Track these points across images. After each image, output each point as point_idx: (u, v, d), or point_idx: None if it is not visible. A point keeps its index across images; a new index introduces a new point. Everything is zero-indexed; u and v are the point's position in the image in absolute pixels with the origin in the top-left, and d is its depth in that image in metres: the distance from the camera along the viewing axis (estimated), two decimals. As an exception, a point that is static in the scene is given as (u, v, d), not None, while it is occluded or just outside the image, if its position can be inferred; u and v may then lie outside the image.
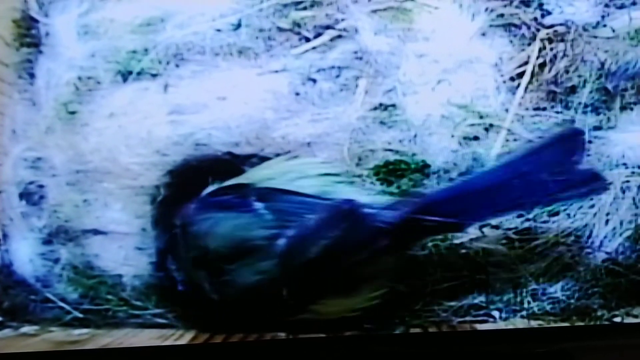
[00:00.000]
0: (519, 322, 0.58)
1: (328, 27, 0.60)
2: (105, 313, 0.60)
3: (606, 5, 0.60)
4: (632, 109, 0.59)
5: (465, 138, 0.59)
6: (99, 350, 0.58)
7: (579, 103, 0.59)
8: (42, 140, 0.61)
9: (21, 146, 0.61)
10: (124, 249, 0.61)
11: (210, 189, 0.57)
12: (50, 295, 0.60)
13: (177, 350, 0.59)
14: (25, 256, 0.61)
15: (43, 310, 0.60)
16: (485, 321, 0.59)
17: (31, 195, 0.61)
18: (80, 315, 0.60)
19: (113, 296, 0.60)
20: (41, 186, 0.61)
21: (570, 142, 0.53)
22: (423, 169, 0.59)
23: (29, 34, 0.62)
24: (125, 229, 0.60)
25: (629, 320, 0.58)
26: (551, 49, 0.59)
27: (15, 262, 0.61)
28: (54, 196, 0.61)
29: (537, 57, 0.59)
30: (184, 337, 0.58)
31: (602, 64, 0.59)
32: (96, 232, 0.61)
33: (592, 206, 0.58)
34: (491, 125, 0.59)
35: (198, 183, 0.58)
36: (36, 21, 0.62)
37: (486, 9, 0.59)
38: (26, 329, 0.59)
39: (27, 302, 0.60)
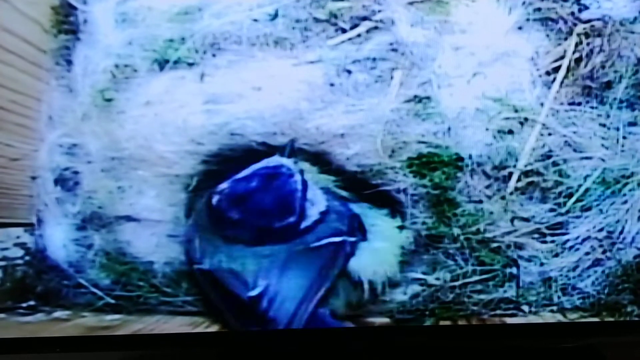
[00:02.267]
0: (548, 317, 0.59)
1: (364, 19, 0.59)
2: (136, 299, 0.61)
3: None
4: None
5: (499, 131, 0.59)
6: (131, 336, 0.59)
7: (614, 98, 0.59)
8: (78, 127, 0.61)
9: (57, 132, 0.62)
10: (156, 236, 0.61)
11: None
12: (82, 281, 0.61)
13: (208, 338, 0.59)
14: (59, 241, 0.61)
15: (75, 296, 0.61)
16: (515, 315, 0.59)
17: (66, 181, 0.62)
18: (112, 301, 0.61)
19: (144, 283, 0.61)
20: (76, 172, 0.62)
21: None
22: (456, 161, 0.59)
23: (67, 21, 0.62)
24: (158, 216, 0.61)
25: None
26: (587, 44, 0.59)
27: (49, 247, 0.62)
28: (88, 182, 0.61)
29: (574, 52, 0.59)
30: (214, 325, 0.59)
31: (639, 60, 0.59)
32: (129, 218, 0.61)
33: (625, 202, 0.59)
34: (526, 119, 0.59)
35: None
36: (74, 8, 0.61)
37: (523, 3, 0.59)
38: (59, 313, 0.60)
39: (60, 287, 0.61)
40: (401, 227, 0.59)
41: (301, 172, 0.58)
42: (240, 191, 0.57)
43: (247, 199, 0.57)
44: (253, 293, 0.56)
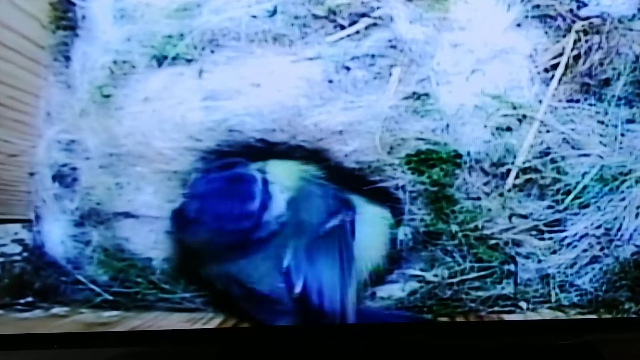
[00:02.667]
0: (546, 314, 0.59)
1: (363, 15, 0.59)
2: (134, 296, 0.61)
3: None
4: None
5: (498, 128, 0.59)
6: (129, 332, 0.59)
7: (613, 96, 0.59)
8: (76, 123, 0.61)
9: (55, 128, 0.62)
10: (154, 233, 0.61)
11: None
12: (80, 277, 0.61)
13: (206, 334, 0.59)
14: (57, 238, 0.62)
15: (73, 292, 0.61)
16: (513, 312, 0.59)
17: (64, 178, 0.62)
18: (110, 298, 0.61)
19: (143, 279, 0.61)
20: (74, 169, 0.62)
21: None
22: (455, 158, 0.59)
23: (65, 17, 0.62)
24: (156, 212, 0.61)
25: None
26: (586, 41, 0.59)
27: (47, 243, 0.62)
28: (86, 179, 0.62)
29: (572, 49, 0.59)
30: (212, 321, 0.59)
31: (637, 57, 0.59)
32: (127, 215, 0.61)
33: (623, 199, 0.59)
34: (524, 116, 0.59)
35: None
36: (73, 4, 0.62)
37: (522, 0, 0.59)
38: (57, 310, 0.61)
39: (58, 284, 0.61)
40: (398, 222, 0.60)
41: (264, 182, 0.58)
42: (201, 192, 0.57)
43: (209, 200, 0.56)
44: (298, 290, 0.56)
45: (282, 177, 0.59)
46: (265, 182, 0.57)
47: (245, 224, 0.55)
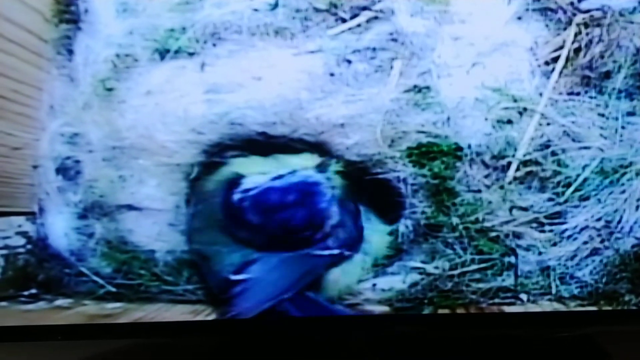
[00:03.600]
0: (546, 306, 0.59)
1: (364, 9, 0.59)
2: (137, 288, 0.61)
3: None
4: None
5: (498, 121, 0.59)
6: (132, 324, 0.59)
7: (613, 88, 0.59)
8: (79, 116, 0.61)
9: (58, 121, 0.62)
10: (157, 225, 0.62)
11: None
12: (84, 269, 0.61)
13: (209, 326, 0.60)
14: (61, 230, 0.62)
15: (77, 284, 0.61)
16: (513, 304, 0.59)
17: (67, 170, 0.62)
18: (113, 290, 0.61)
19: (146, 271, 0.61)
20: (77, 161, 0.62)
21: None
22: (455, 151, 0.59)
23: (68, 11, 0.62)
24: (159, 205, 0.61)
25: None
26: (587, 34, 0.59)
27: (51, 235, 0.62)
28: (89, 171, 0.62)
29: (573, 42, 0.59)
30: (214, 313, 0.60)
31: (638, 50, 0.59)
32: (130, 207, 0.62)
33: (623, 192, 0.59)
34: (525, 109, 0.59)
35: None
36: (76, -2, 0.62)
37: None
38: (60, 301, 0.61)
39: (61, 276, 0.61)
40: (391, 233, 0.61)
41: (333, 188, 0.59)
42: (272, 200, 0.58)
43: (277, 209, 0.58)
44: (236, 277, 0.57)
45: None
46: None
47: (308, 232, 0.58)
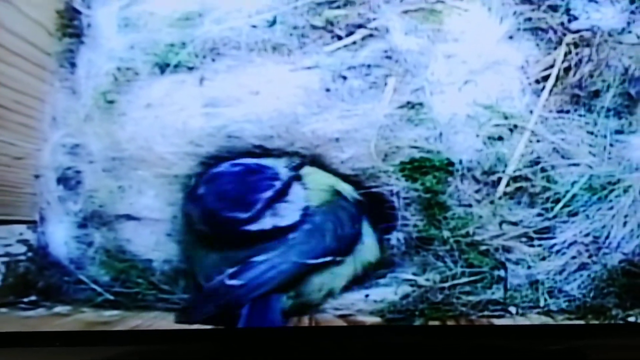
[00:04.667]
0: (535, 319, 0.59)
1: (360, 26, 0.61)
2: (135, 296, 0.62)
3: (632, 12, 0.60)
4: None
5: (489, 138, 0.60)
6: (129, 331, 0.59)
7: (602, 107, 0.60)
8: (80, 128, 0.63)
9: (60, 133, 0.63)
10: (155, 235, 0.63)
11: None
12: (83, 277, 0.62)
13: (204, 334, 0.60)
14: (61, 239, 0.63)
15: (76, 292, 0.62)
16: (503, 316, 0.60)
17: (68, 180, 0.64)
18: (111, 297, 0.62)
19: (143, 280, 0.63)
20: (78, 172, 0.63)
21: None
22: (447, 166, 0.60)
23: (71, 25, 0.64)
24: (157, 215, 0.62)
25: None
26: (576, 54, 0.60)
27: (51, 244, 0.63)
28: (90, 182, 0.63)
29: (563, 61, 0.60)
30: None
31: (626, 70, 0.60)
32: (129, 217, 0.63)
33: (611, 208, 0.59)
34: (515, 126, 0.60)
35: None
36: (79, 12, 0.63)
37: (514, 13, 0.60)
38: (59, 308, 0.61)
39: (60, 283, 0.63)
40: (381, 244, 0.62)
41: (287, 183, 0.58)
42: (215, 174, 0.58)
43: (217, 179, 0.57)
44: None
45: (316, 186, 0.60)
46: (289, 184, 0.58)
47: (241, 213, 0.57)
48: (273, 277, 0.57)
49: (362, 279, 0.62)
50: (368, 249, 0.62)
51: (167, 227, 0.62)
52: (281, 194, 0.58)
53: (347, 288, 0.61)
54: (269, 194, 0.57)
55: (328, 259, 0.59)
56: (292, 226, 0.58)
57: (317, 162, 0.62)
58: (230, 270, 0.57)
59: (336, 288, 0.60)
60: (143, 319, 0.60)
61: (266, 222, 0.57)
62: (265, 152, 0.61)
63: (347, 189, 0.61)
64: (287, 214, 0.58)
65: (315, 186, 0.60)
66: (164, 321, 0.60)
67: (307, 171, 0.61)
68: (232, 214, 0.56)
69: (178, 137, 0.61)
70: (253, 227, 0.57)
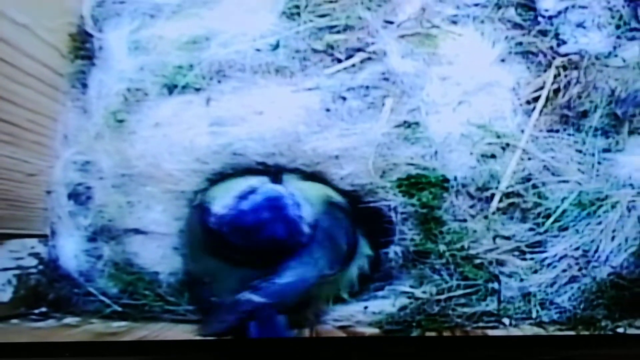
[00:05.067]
0: (527, 330, 0.60)
1: (359, 50, 0.63)
2: (142, 307, 0.64)
3: (618, 37, 0.62)
4: (639, 134, 0.62)
5: (483, 155, 0.61)
6: (136, 342, 0.60)
7: (590, 127, 0.61)
8: (91, 146, 0.65)
9: (72, 150, 0.65)
10: (162, 248, 0.64)
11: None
12: (92, 289, 0.64)
13: (209, 344, 0.62)
14: (71, 252, 0.65)
15: (85, 303, 0.64)
16: (496, 327, 0.61)
17: (79, 196, 0.65)
18: (119, 309, 0.64)
19: (150, 292, 0.64)
20: (88, 188, 0.65)
21: None
22: (443, 183, 0.61)
23: (83, 47, 0.66)
24: (164, 229, 0.64)
25: (632, 331, 0.59)
26: (565, 76, 0.61)
27: (61, 257, 0.65)
28: (99, 197, 0.65)
29: (552, 83, 0.61)
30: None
31: (613, 91, 0.61)
32: (137, 231, 0.64)
33: (600, 223, 0.61)
34: (507, 144, 0.61)
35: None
36: (91, 36, 0.66)
37: (506, 37, 0.62)
38: (69, 320, 0.63)
39: (70, 295, 0.64)
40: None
41: (292, 195, 0.58)
42: (249, 222, 0.57)
43: (258, 229, 0.57)
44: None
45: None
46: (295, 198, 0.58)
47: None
48: (297, 289, 0.58)
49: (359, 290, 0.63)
50: (363, 255, 0.63)
51: (173, 241, 0.64)
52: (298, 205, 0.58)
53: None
54: (297, 211, 0.57)
55: (339, 268, 0.60)
56: (309, 238, 0.58)
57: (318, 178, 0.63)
58: (254, 284, 0.57)
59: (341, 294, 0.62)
60: (150, 330, 0.61)
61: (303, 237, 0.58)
62: (269, 168, 0.63)
63: (338, 197, 0.62)
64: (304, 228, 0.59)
65: (315, 200, 0.61)
66: (171, 332, 0.61)
67: (302, 186, 0.61)
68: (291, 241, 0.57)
69: (185, 154, 0.63)
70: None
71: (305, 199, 0.59)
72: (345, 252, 0.61)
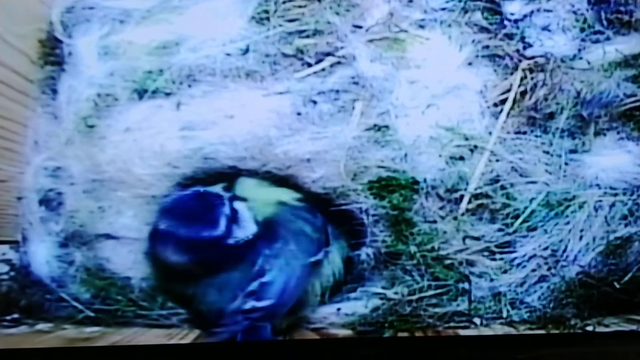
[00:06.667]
0: (498, 329, 0.61)
1: (328, 54, 0.63)
2: (115, 312, 0.64)
3: (582, 40, 0.63)
4: (605, 135, 0.62)
5: (451, 158, 0.62)
6: (109, 347, 0.61)
7: (557, 128, 0.62)
8: (61, 151, 0.65)
9: (42, 156, 0.65)
10: (133, 253, 0.64)
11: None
12: (64, 295, 0.64)
13: (182, 349, 0.62)
14: (43, 258, 0.65)
15: (57, 309, 0.64)
16: (468, 327, 0.62)
17: (50, 202, 0.65)
18: (92, 314, 0.63)
19: (122, 297, 0.64)
20: (59, 193, 0.65)
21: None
22: (413, 185, 0.62)
23: (53, 53, 0.66)
24: (135, 234, 0.64)
25: (600, 329, 0.60)
26: (532, 79, 0.62)
27: (33, 263, 0.65)
28: (71, 203, 0.65)
29: (519, 86, 0.62)
30: (188, 337, 0.62)
31: (578, 93, 0.62)
32: (108, 237, 0.64)
33: (568, 223, 0.61)
34: (475, 146, 0.62)
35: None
36: (60, 42, 0.66)
37: (473, 41, 0.63)
38: (41, 326, 0.63)
39: (42, 301, 0.64)
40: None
41: (231, 199, 0.60)
42: (174, 205, 0.59)
43: (181, 210, 0.58)
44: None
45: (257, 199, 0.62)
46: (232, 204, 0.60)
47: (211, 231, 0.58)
48: (290, 282, 0.59)
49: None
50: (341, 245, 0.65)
51: (144, 246, 0.63)
52: (233, 209, 0.59)
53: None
54: (226, 209, 0.58)
55: (322, 252, 0.61)
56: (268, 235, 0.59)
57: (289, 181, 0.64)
58: (247, 290, 0.58)
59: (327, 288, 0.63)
60: (123, 335, 0.61)
61: (240, 233, 0.59)
62: (240, 172, 0.63)
63: (294, 201, 0.63)
64: (248, 225, 0.60)
65: (263, 202, 0.62)
66: (144, 337, 0.62)
67: (255, 191, 0.63)
68: (205, 234, 0.57)
69: (156, 159, 0.63)
70: (230, 240, 0.58)
71: (252, 201, 0.60)
72: (318, 238, 0.62)
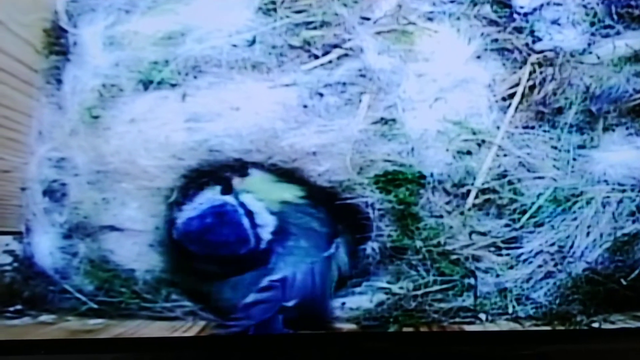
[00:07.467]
0: (504, 325, 0.61)
1: (336, 46, 0.62)
2: (118, 305, 0.63)
3: (592, 34, 0.62)
4: (613, 130, 0.62)
5: (459, 152, 0.61)
6: (112, 339, 0.60)
7: (565, 123, 0.62)
8: (66, 142, 0.64)
9: (46, 147, 0.65)
10: (137, 245, 0.64)
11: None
12: (67, 287, 0.64)
13: (186, 342, 0.61)
14: (46, 249, 0.64)
15: (61, 301, 0.64)
16: (473, 323, 0.61)
17: (54, 193, 0.65)
18: (95, 306, 0.63)
19: (126, 289, 0.64)
20: (63, 184, 0.65)
21: None
22: (419, 179, 0.62)
23: (58, 43, 0.65)
24: (140, 226, 0.64)
25: (607, 326, 0.60)
26: (540, 73, 0.62)
27: (37, 254, 0.64)
28: (75, 194, 0.64)
29: (528, 80, 0.62)
30: (192, 329, 0.61)
31: (587, 88, 0.62)
32: (113, 228, 0.64)
33: (575, 219, 0.61)
34: (483, 141, 0.61)
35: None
36: (65, 31, 0.65)
37: (482, 34, 0.62)
38: (44, 317, 0.62)
39: (46, 293, 0.64)
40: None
41: (242, 204, 0.60)
42: (196, 228, 0.59)
43: (205, 234, 0.58)
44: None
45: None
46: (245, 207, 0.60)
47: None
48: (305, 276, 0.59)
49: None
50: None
51: (149, 238, 0.64)
52: (248, 211, 0.60)
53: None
54: (245, 220, 0.59)
55: (334, 245, 0.62)
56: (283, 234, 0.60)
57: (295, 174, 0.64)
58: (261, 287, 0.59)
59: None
60: (126, 327, 0.61)
61: (264, 234, 0.60)
62: (246, 165, 0.63)
63: (297, 199, 0.63)
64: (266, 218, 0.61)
65: (269, 203, 0.62)
66: (147, 329, 0.61)
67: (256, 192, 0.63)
68: (243, 251, 0.59)
69: (161, 150, 0.63)
70: (262, 245, 0.60)
71: (259, 206, 0.60)
72: (327, 232, 0.62)
